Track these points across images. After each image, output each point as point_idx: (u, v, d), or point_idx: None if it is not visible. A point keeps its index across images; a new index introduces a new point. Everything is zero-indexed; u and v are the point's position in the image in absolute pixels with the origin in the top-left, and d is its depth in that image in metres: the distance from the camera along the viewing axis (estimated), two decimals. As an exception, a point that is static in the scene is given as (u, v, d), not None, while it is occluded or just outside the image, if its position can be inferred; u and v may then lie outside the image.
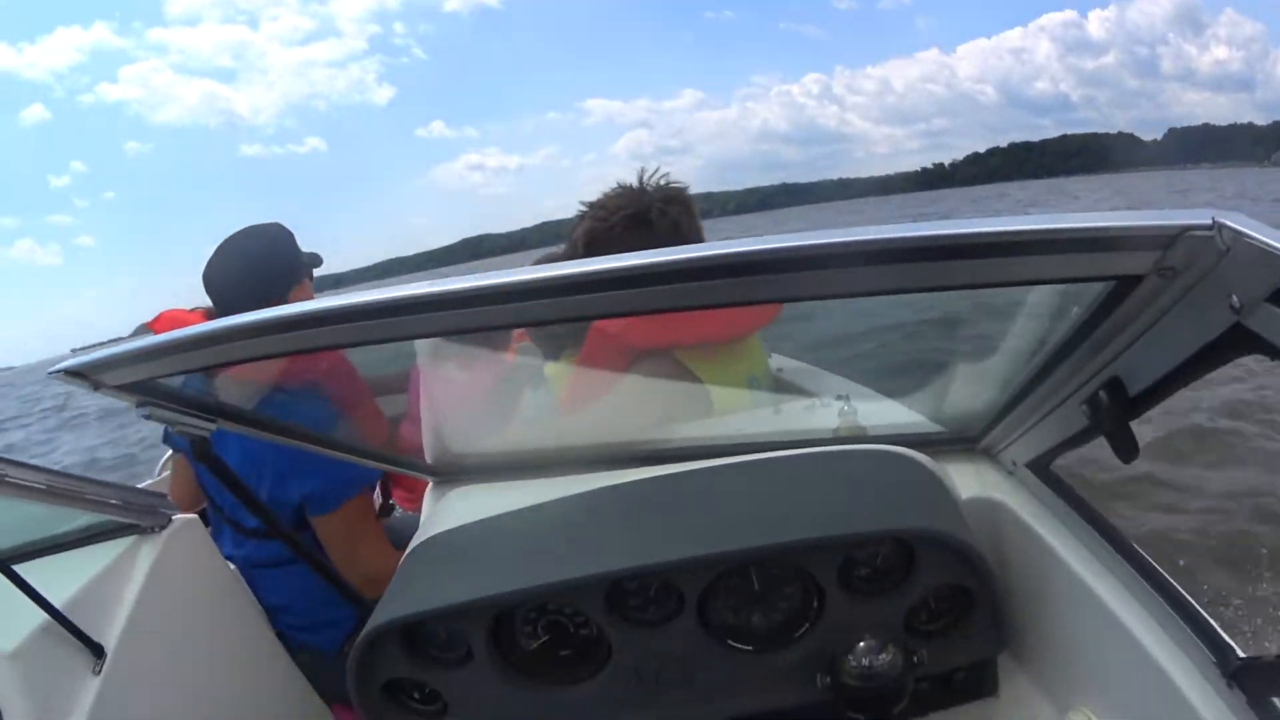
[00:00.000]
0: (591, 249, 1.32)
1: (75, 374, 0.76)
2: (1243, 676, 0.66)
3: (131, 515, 1.34)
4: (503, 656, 0.90)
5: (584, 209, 1.36)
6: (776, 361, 1.89)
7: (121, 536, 1.37)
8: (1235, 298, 0.51)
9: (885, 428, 1.12)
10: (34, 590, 1.13)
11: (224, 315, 1.56)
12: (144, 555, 1.35)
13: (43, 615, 1.16)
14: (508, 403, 1.43)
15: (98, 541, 1.36)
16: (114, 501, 1.31)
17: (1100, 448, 0.74)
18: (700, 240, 1.34)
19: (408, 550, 1.04)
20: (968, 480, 1.00)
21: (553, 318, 0.63)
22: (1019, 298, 0.83)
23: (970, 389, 1.06)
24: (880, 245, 0.53)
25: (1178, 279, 0.54)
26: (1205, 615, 0.71)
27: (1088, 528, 0.85)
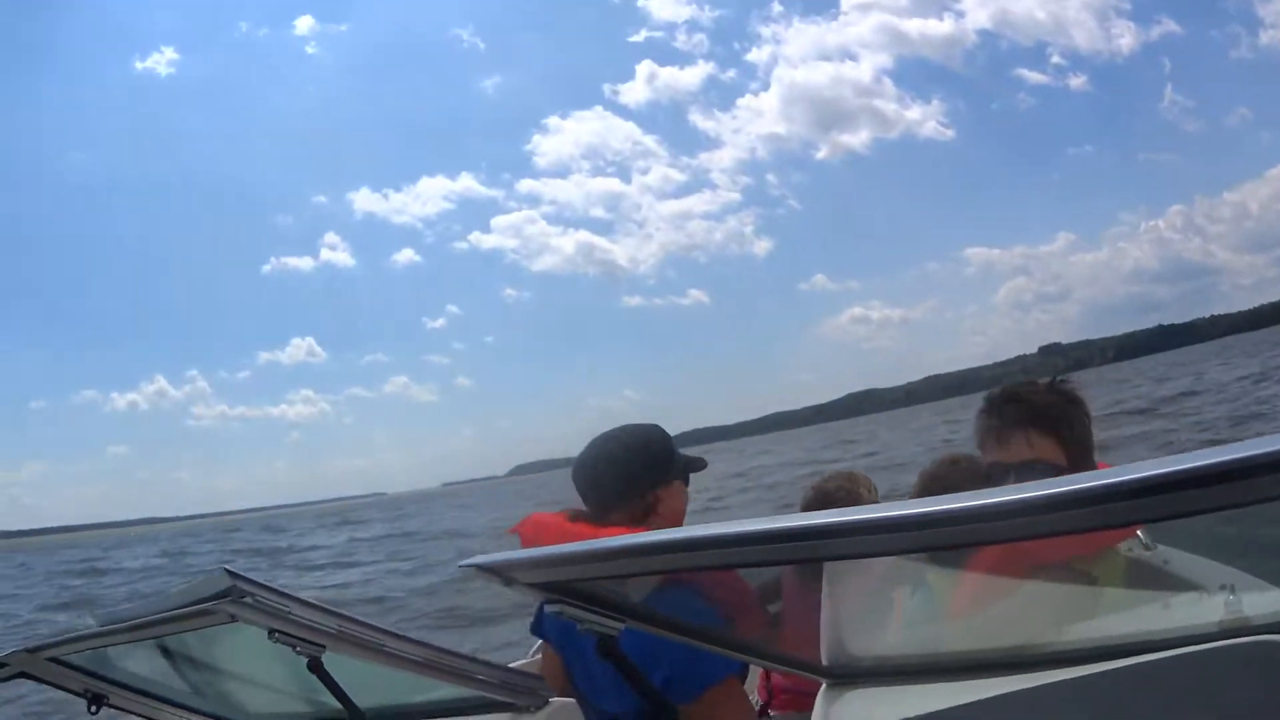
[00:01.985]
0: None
1: (489, 570, 0.82)
2: None
3: (509, 694, 1.39)
4: None
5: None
6: (1163, 553, 1.80)
7: (495, 712, 1.42)
8: None
9: (1271, 616, 1.09)
10: None
11: (590, 510, 1.62)
12: None
13: None
14: (905, 606, 1.43)
15: (467, 714, 1.43)
16: (493, 680, 1.37)
17: None
18: (1091, 445, 1.48)
19: None
20: None
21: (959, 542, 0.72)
22: None
23: None
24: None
25: None
26: None
27: None
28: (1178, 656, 0.97)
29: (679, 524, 1.65)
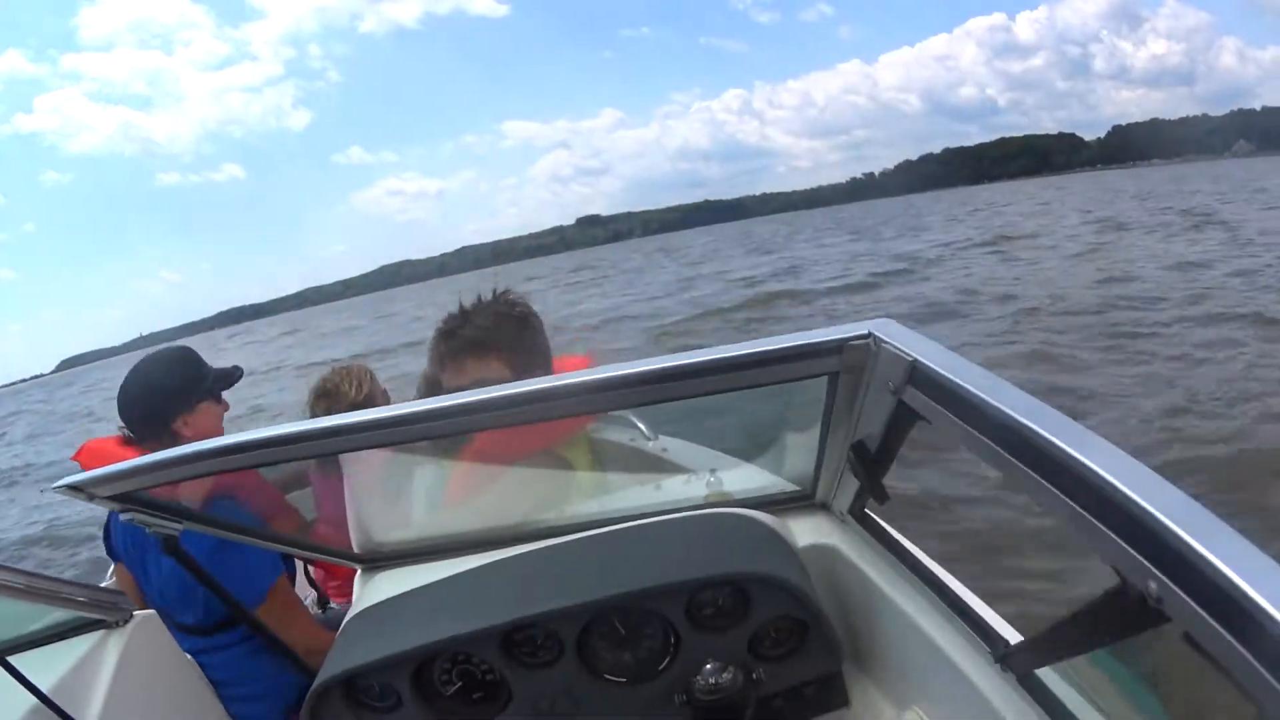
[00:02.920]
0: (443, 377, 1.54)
1: (74, 489, 0.96)
2: (1011, 659, 0.86)
3: (98, 611, 1.51)
4: (426, 702, 1.09)
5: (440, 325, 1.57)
6: (662, 442, 2.13)
7: (90, 631, 1.54)
8: (891, 383, 0.74)
9: (746, 492, 1.32)
10: (28, 680, 1.28)
11: (132, 436, 1.82)
12: (112, 647, 1.52)
13: (29, 703, 1.30)
14: (418, 495, 1.60)
15: (71, 636, 1.53)
16: (81, 599, 1.49)
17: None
18: (542, 347, 1.57)
19: (344, 623, 1.22)
20: (807, 531, 1.22)
21: (427, 436, 0.85)
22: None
23: (804, 454, 1.23)
24: (651, 373, 0.76)
25: (862, 372, 0.78)
26: (979, 613, 0.93)
27: (891, 556, 1.07)
28: (656, 522, 1.18)
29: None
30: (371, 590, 1.30)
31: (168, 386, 1.80)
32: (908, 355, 0.70)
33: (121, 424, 1.79)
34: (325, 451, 0.93)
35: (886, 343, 0.72)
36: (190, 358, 1.88)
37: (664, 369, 0.76)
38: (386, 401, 2.23)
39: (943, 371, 0.66)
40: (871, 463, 0.93)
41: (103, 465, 0.95)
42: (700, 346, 0.79)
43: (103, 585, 1.58)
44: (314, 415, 1.77)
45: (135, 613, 1.57)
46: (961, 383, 0.63)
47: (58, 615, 1.50)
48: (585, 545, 1.19)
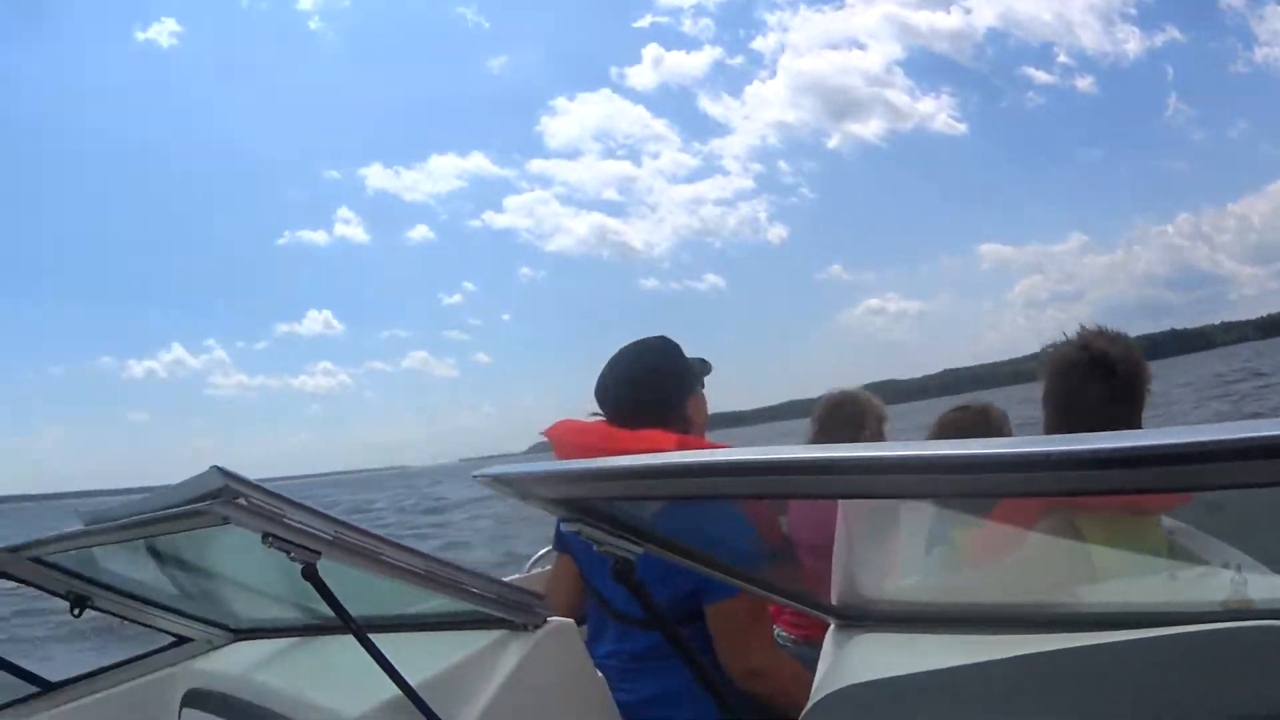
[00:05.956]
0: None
1: (503, 483, 0.81)
2: None
3: (505, 610, 1.35)
4: None
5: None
6: (1168, 524, 1.75)
7: (490, 629, 1.38)
8: None
9: (1274, 602, 1.06)
10: (388, 662, 1.16)
11: (618, 423, 1.64)
12: (512, 651, 1.35)
13: (394, 690, 1.18)
14: (919, 552, 1.40)
15: (461, 629, 1.40)
16: (490, 595, 1.33)
17: None
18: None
19: (815, 696, 1.00)
20: None
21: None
22: None
23: None
24: None
25: None
26: None
27: None
28: (1185, 634, 0.96)
29: (704, 430, 1.72)
30: (850, 658, 1.08)
31: (673, 368, 1.71)
32: None
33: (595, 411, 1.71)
34: (839, 491, 0.81)
35: None
36: (676, 343, 1.79)
37: None
38: None
39: None
40: None
41: (583, 455, 0.80)
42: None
43: (508, 580, 1.44)
44: None
45: (550, 619, 1.40)
46: None
47: (455, 606, 1.37)
48: (1115, 653, 0.92)
